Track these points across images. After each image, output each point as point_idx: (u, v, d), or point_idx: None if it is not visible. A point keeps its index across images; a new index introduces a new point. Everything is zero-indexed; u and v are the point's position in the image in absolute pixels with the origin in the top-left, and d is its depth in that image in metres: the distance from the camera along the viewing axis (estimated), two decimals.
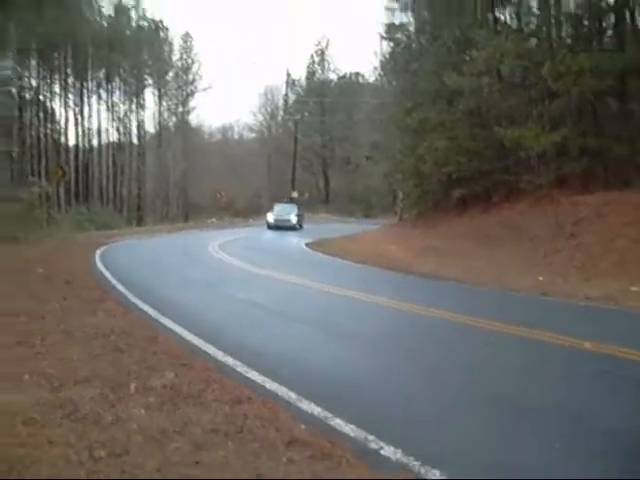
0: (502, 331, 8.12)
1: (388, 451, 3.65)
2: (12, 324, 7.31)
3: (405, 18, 39.40)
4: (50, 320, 7.69)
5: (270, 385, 4.93)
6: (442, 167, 27.66)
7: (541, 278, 14.90)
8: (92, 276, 13.71)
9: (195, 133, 68.75)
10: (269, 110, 76.42)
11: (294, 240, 29.29)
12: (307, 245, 26.20)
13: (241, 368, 5.51)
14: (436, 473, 3.34)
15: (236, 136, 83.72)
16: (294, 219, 40.25)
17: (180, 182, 62.30)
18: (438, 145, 27.33)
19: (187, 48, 65.29)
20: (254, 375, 5.21)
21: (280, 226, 38.55)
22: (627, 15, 22.79)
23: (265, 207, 62.29)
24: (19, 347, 6.14)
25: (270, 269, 16.24)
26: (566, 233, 18.84)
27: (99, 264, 16.43)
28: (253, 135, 79.81)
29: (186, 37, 65.12)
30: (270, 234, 36.81)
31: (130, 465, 3.32)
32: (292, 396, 4.66)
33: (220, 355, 6.11)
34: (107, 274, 13.97)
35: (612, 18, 23.89)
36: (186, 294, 11.37)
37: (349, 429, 3.99)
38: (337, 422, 4.10)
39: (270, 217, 40.75)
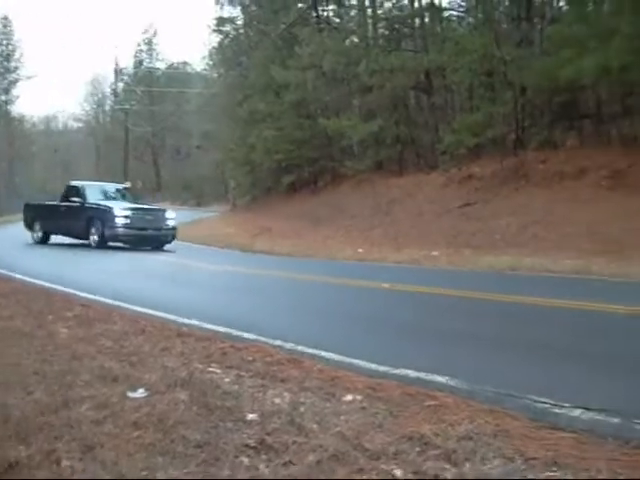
0: (316, 280, 10.57)
1: (247, 335, 5.46)
2: None
3: (234, 12, 40.80)
4: None
5: (154, 312, 6.61)
6: (272, 155, 29.79)
7: (360, 250, 17.22)
8: None
9: (17, 123, 66.59)
10: (96, 99, 75.48)
11: None
12: None
13: (129, 305, 7.11)
14: (278, 341, 5.19)
15: (60, 126, 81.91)
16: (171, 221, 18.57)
17: (5, 173, 60.40)
18: (267, 135, 29.43)
19: (7, 34, 63.08)
20: (142, 309, 6.85)
21: (143, 238, 17.82)
22: (428, 20, 26.03)
23: None
24: None
25: None
26: (382, 211, 21.52)
27: None
28: (79, 125, 78.52)
29: (6, 22, 62.89)
30: None
31: (78, 352, 4.89)
32: (171, 317, 6.34)
33: (104, 299, 7.68)
34: None
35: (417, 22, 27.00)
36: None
37: (219, 328, 5.77)
38: (209, 326, 5.86)
39: (119, 219, 17.17)
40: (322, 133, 27.68)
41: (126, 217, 17.23)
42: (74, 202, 18.39)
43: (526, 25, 21.56)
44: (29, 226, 20.01)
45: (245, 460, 2.80)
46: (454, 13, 27.60)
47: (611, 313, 6.73)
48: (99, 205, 17.92)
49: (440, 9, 26.48)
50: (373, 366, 4.32)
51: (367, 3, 29.28)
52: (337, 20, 32.47)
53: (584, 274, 10.71)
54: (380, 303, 8.15)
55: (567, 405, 3.39)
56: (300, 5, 32.34)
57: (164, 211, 19.16)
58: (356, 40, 29.10)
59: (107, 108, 74.37)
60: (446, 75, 23.88)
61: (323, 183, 30.20)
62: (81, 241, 18.32)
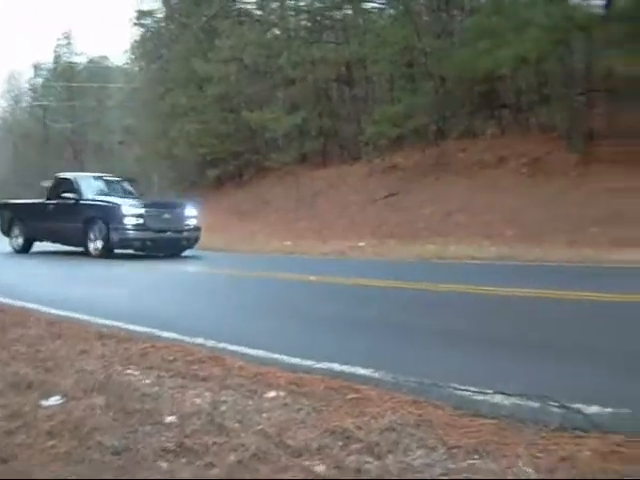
0: (242, 275, 10.51)
1: (167, 334, 5.31)
2: None
3: (155, 5, 39.90)
4: None
5: (74, 315, 6.40)
6: (196, 149, 29.44)
7: (287, 243, 17.21)
8: None
9: None
10: (13, 95, 73.12)
11: None
12: None
13: (46, 309, 6.86)
14: (199, 339, 5.09)
15: None
16: (194, 219, 15.15)
17: None
18: (190, 128, 29.06)
19: None
20: (60, 311, 6.62)
21: (160, 243, 14.21)
22: (349, 12, 26.13)
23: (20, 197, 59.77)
24: None
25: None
26: (307, 204, 21.53)
27: None
28: None
29: None
30: None
31: None
32: (90, 318, 6.17)
33: (21, 303, 7.39)
34: None
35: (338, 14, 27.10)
36: None
37: (139, 328, 5.62)
38: (130, 326, 5.71)
39: (129, 218, 13.59)
40: (246, 126, 27.50)
41: (139, 216, 13.71)
42: (66, 199, 14.78)
43: (446, 17, 21.88)
44: (5, 232, 16.77)
45: (164, 465, 2.72)
46: (375, 5, 27.73)
47: (534, 297, 6.90)
48: (101, 202, 14.35)
49: (361, 1, 26.60)
50: (297, 361, 4.27)
51: None
52: (259, 12, 32.22)
53: (508, 260, 10.98)
54: (307, 296, 8.13)
55: (489, 392, 3.42)
56: None
57: (184, 207, 15.21)
58: (278, 32, 28.98)
59: (24, 104, 72.06)
60: (367, 67, 24.05)
61: (248, 176, 30.01)
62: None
